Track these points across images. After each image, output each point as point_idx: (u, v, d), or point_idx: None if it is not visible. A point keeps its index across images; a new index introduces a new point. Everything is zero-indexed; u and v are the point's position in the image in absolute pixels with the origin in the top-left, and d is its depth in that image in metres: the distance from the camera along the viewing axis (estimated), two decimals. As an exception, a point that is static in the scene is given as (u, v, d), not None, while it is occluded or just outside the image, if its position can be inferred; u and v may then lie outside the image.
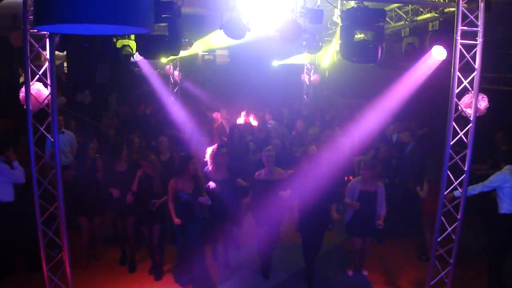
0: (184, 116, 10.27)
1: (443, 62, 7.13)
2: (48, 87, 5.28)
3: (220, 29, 6.00)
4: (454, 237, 5.90)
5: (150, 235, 6.75)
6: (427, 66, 7.53)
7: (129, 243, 7.14)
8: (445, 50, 6.25)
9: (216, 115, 10.93)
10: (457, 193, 5.99)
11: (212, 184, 6.57)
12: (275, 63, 15.69)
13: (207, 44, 10.98)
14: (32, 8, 4.75)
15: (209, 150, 6.78)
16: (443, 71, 7.03)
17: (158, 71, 14.31)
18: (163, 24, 5.86)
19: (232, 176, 6.87)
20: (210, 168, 6.74)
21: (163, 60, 11.97)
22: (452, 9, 5.82)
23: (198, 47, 11.64)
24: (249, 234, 7.77)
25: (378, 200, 6.58)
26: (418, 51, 7.47)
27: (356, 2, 6.00)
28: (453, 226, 5.88)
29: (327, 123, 11.25)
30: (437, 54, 6.97)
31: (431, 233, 7.54)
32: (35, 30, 4.95)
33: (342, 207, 7.41)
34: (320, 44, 9.86)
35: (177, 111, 10.85)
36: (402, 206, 8.44)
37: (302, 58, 14.50)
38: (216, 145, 6.91)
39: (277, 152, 7.08)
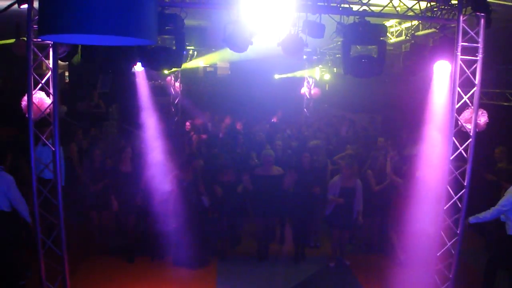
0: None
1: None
2: (50, 96, 5.30)
3: (223, 42, 6.03)
4: (453, 252, 5.88)
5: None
6: (430, 81, 7.48)
7: (130, 237, 7.66)
8: (450, 64, 6.24)
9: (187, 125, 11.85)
10: (472, 219, 5.99)
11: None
12: (277, 76, 15.77)
13: (209, 58, 11.06)
14: (36, 17, 4.80)
15: None
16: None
17: (159, 82, 14.35)
18: (166, 36, 5.88)
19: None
20: None
21: (165, 71, 11.98)
22: (452, 24, 5.87)
23: (200, 59, 11.71)
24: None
25: (357, 195, 7.32)
26: (418, 66, 7.49)
27: (358, 17, 6.03)
28: (452, 241, 5.86)
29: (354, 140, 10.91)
30: (439, 69, 6.98)
31: (396, 231, 7.58)
32: (39, 39, 4.99)
33: None
34: (321, 57, 9.90)
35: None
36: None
37: (303, 71, 14.58)
38: None
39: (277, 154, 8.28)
